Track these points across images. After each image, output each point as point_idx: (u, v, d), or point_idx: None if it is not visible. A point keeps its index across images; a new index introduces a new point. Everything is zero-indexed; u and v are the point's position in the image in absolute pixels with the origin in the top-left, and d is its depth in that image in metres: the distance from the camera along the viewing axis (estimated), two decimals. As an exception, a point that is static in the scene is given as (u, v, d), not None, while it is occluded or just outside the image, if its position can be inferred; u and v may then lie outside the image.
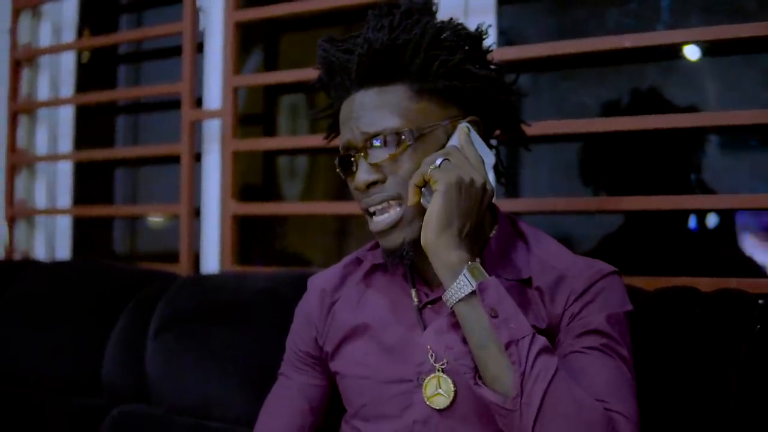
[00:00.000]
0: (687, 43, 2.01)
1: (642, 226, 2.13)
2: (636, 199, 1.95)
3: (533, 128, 1.59)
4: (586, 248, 2.14)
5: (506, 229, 1.44)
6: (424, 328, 1.39)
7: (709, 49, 2.06)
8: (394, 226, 1.34)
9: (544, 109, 2.26)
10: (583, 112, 2.23)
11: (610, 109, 2.19)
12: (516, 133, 1.53)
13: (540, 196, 2.22)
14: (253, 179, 2.86)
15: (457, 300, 1.22)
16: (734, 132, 2.06)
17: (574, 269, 1.35)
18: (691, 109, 2.06)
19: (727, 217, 2.08)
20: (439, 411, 1.35)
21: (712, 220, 2.11)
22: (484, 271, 1.23)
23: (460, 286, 1.22)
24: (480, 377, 1.21)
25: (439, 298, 1.39)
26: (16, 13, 3.08)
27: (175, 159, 2.73)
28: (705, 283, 1.67)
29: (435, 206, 1.25)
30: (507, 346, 1.16)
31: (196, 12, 2.63)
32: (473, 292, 1.21)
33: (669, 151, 2.11)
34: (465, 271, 1.22)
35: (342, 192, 2.71)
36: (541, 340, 1.18)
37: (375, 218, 1.36)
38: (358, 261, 1.57)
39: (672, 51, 2.09)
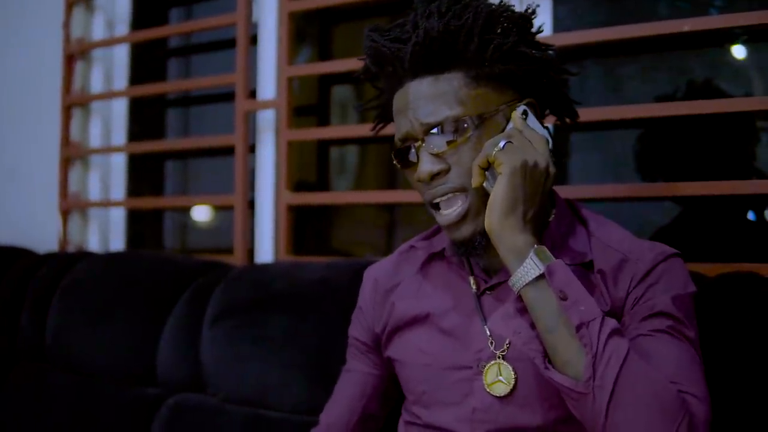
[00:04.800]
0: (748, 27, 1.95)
1: (698, 214, 2.10)
2: (694, 184, 1.91)
3: (586, 114, 1.56)
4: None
5: (565, 213, 1.42)
6: (483, 315, 1.39)
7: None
8: (464, 218, 1.32)
9: (601, 97, 2.23)
10: (639, 100, 2.19)
11: (667, 98, 2.15)
12: (569, 114, 1.50)
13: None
14: (307, 176, 2.85)
15: (525, 284, 1.20)
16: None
17: (636, 252, 1.34)
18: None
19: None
20: (500, 398, 1.34)
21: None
22: (550, 253, 1.22)
23: (527, 269, 1.20)
24: (549, 361, 1.20)
25: (497, 285, 1.40)
26: (70, 7, 3.09)
27: (225, 151, 2.74)
28: (766, 269, 1.65)
29: (500, 189, 1.23)
30: (578, 328, 1.15)
31: (249, 3, 2.63)
32: (541, 275, 1.19)
33: (725, 138, 2.08)
34: (532, 254, 1.21)
35: (393, 184, 2.71)
36: (612, 322, 1.16)
37: (443, 212, 1.35)
38: (413, 250, 1.58)
39: (732, 36, 2.05)
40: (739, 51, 2.11)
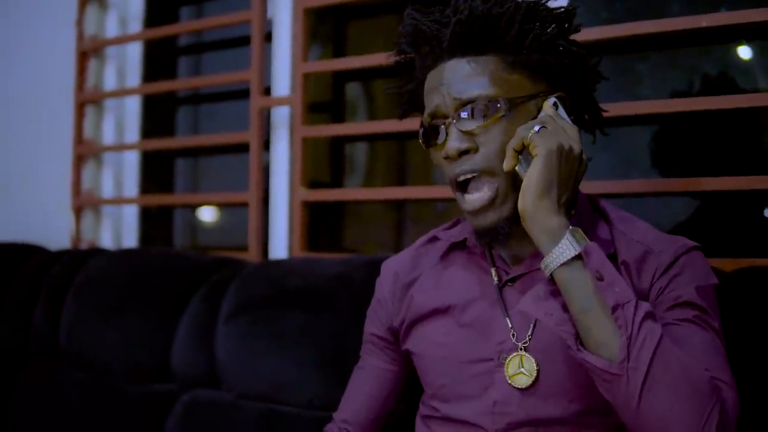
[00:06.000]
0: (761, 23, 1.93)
1: (711, 209, 2.09)
2: (707, 180, 1.91)
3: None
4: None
5: (587, 207, 1.42)
6: (505, 307, 1.39)
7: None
8: (490, 204, 1.32)
9: (610, 94, 2.23)
10: (649, 97, 2.19)
11: (678, 95, 2.15)
12: (593, 118, 1.50)
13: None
14: (320, 173, 2.84)
15: (559, 264, 1.19)
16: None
17: (659, 244, 1.34)
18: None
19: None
20: (521, 390, 1.34)
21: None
22: (584, 235, 1.21)
23: (562, 249, 1.19)
24: (581, 343, 1.19)
25: (519, 277, 1.40)
26: (83, 5, 3.10)
27: (236, 148, 2.75)
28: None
29: (535, 171, 1.23)
30: (613, 309, 1.14)
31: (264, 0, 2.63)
32: (576, 256, 1.19)
33: (739, 134, 2.07)
34: (567, 234, 1.20)
35: (402, 181, 2.70)
36: (646, 306, 1.16)
37: (468, 196, 1.34)
38: (434, 240, 1.57)
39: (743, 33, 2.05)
40: (749, 48, 2.10)
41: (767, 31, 2.00)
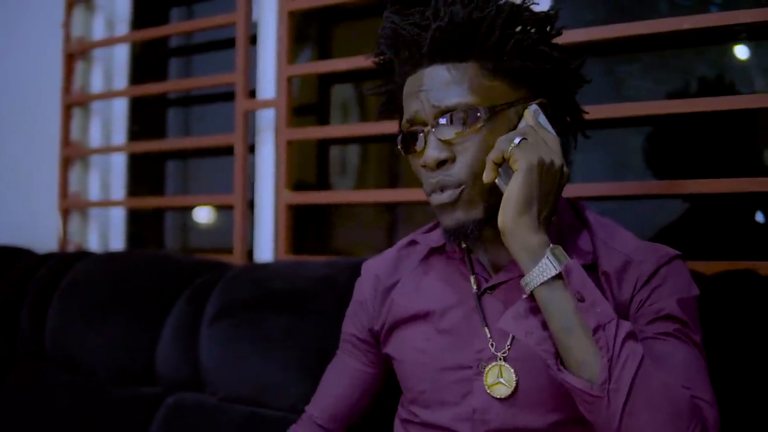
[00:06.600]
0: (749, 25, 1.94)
1: (702, 211, 2.09)
2: (697, 182, 1.90)
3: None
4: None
5: (568, 213, 1.40)
6: (484, 315, 1.38)
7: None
8: (456, 202, 1.29)
9: (598, 96, 2.23)
10: (638, 99, 2.19)
11: (668, 97, 2.15)
12: (577, 119, 1.48)
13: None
14: (306, 176, 2.85)
15: (539, 283, 1.17)
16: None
17: (640, 254, 1.32)
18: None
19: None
20: (500, 400, 1.33)
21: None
22: (565, 253, 1.19)
23: (543, 269, 1.17)
24: (562, 363, 1.17)
25: (498, 285, 1.38)
26: (70, 7, 3.10)
27: (226, 151, 2.74)
28: (765, 267, 1.65)
29: (515, 187, 1.20)
30: (594, 330, 1.12)
31: (249, 2, 2.63)
32: (557, 276, 1.17)
33: (730, 136, 2.07)
34: (548, 253, 1.17)
35: (394, 183, 2.70)
36: (627, 325, 1.14)
37: (435, 195, 1.32)
38: (413, 244, 1.56)
39: (733, 34, 2.05)
40: (740, 49, 2.10)
41: (756, 32, 2.01)
